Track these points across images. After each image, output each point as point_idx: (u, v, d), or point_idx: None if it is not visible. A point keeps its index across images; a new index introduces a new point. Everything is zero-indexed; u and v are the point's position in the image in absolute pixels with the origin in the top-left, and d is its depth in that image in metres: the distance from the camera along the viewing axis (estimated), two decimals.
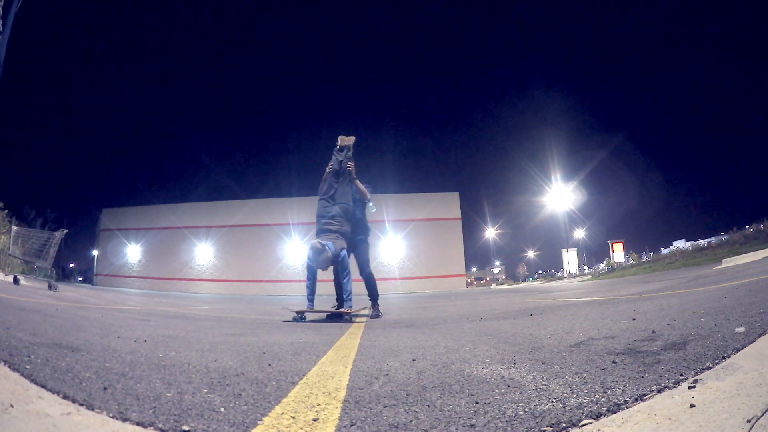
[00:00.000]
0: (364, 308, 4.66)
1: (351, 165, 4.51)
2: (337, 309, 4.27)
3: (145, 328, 2.83)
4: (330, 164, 4.53)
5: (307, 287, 4.23)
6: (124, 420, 1.00)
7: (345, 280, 4.22)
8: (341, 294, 4.36)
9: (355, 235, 4.60)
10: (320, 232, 4.29)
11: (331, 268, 4.28)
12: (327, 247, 4.00)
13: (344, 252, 4.19)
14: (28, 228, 9.28)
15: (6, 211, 11.08)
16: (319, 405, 1.18)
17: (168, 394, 1.22)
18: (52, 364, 1.41)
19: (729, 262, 9.94)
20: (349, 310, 4.06)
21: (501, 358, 1.78)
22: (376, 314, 4.37)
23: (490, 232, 46.46)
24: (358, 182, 4.61)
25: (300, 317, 3.96)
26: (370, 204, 4.91)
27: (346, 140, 4.60)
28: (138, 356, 1.73)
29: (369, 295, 4.65)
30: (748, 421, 0.89)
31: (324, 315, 4.24)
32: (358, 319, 4.13)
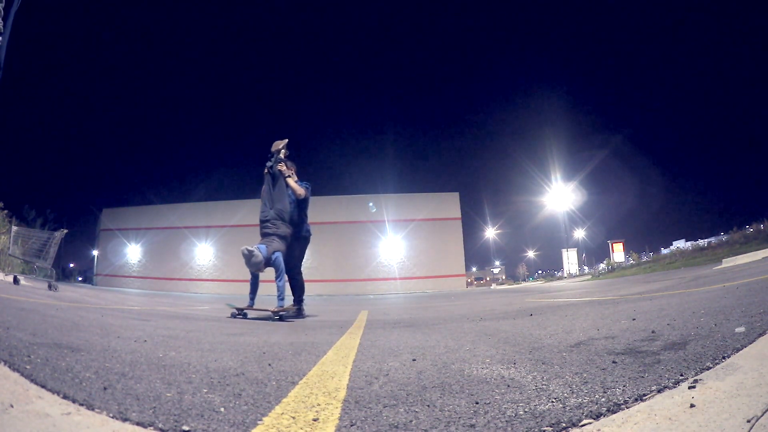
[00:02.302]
0: (296, 307, 4.69)
1: (281, 166, 4.66)
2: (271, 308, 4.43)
3: (145, 328, 2.83)
4: (265, 170, 4.74)
5: (250, 285, 4.54)
6: (124, 420, 1.00)
7: (277, 280, 4.35)
8: (300, 291, 4.67)
9: (299, 234, 4.76)
10: (261, 236, 4.53)
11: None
12: (257, 251, 4.18)
13: (277, 254, 4.33)
14: (28, 228, 9.28)
15: (6, 211, 11.09)
16: (319, 405, 1.18)
17: (168, 394, 1.22)
18: (52, 364, 1.41)
19: (729, 262, 9.94)
20: (277, 309, 4.13)
21: (501, 358, 1.78)
22: (295, 314, 4.48)
23: (490, 232, 46.48)
24: (290, 181, 4.68)
25: (238, 314, 4.23)
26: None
27: (276, 145, 4.78)
28: (138, 356, 1.73)
29: (293, 294, 4.77)
30: (748, 421, 0.89)
31: (268, 312, 4.30)
32: (289, 319, 4.26)
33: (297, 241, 4.75)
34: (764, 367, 1.21)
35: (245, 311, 4.28)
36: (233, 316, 4.24)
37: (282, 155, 4.72)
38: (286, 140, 4.79)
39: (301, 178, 4.95)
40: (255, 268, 4.23)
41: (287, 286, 4.51)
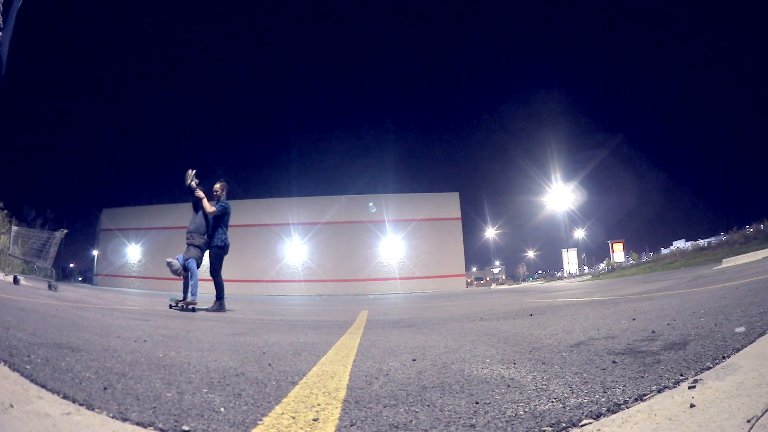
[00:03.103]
0: (217, 303, 5.50)
1: (198, 192, 5.72)
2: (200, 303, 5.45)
3: (145, 328, 2.83)
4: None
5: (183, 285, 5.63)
6: (124, 420, 1.00)
7: (190, 280, 5.30)
8: (218, 290, 5.52)
9: (211, 245, 5.68)
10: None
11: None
12: (175, 261, 5.38)
13: (190, 260, 5.39)
14: (28, 228, 9.27)
15: (6, 211, 11.08)
16: (319, 405, 1.18)
17: (168, 394, 1.22)
18: (52, 364, 1.41)
19: (729, 262, 9.94)
20: (189, 302, 5.15)
21: (501, 358, 1.79)
22: (215, 308, 5.34)
23: (490, 232, 46.40)
24: (204, 203, 5.68)
25: (174, 305, 5.25)
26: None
27: (187, 176, 5.86)
28: (138, 356, 1.73)
29: (215, 293, 5.59)
30: (748, 421, 0.89)
31: (194, 306, 5.30)
32: (224, 312, 5.30)
33: (213, 250, 5.65)
34: (764, 367, 1.21)
35: (180, 303, 5.23)
36: (170, 307, 5.27)
37: (194, 184, 5.75)
38: (194, 171, 5.86)
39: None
40: (175, 273, 5.41)
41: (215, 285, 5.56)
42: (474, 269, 62.57)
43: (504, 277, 58.02)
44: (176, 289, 6.76)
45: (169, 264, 5.43)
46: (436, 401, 1.21)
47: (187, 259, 5.43)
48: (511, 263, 67.19)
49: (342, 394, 1.30)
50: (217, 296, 5.52)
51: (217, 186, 5.78)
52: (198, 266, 5.46)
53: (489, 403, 1.18)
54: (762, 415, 0.90)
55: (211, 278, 5.63)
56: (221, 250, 5.67)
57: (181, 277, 5.48)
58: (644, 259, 24.13)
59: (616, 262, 24.19)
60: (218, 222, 5.67)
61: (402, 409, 1.15)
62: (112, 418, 1.01)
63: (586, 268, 33.23)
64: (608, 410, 1.07)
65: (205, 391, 1.28)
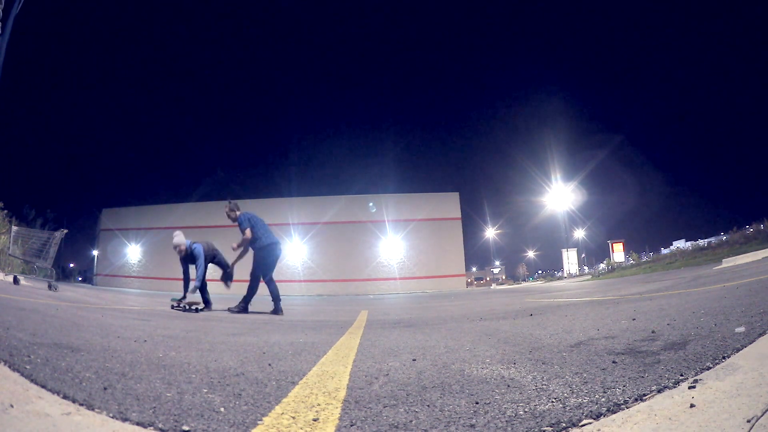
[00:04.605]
0: (242, 305, 5.41)
1: (245, 235, 5.63)
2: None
3: (145, 328, 2.83)
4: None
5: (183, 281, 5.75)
6: (124, 420, 1.00)
7: (197, 268, 5.47)
8: (246, 293, 5.49)
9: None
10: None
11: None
12: (181, 234, 5.49)
13: (197, 245, 5.52)
14: (28, 228, 9.27)
15: (6, 211, 11.09)
16: (319, 405, 1.18)
17: (168, 394, 1.22)
18: (52, 364, 1.41)
19: (729, 262, 9.94)
20: (189, 303, 5.18)
21: (501, 358, 1.79)
22: (236, 310, 5.29)
23: (490, 232, 46.31)
24: (245, 234, 5.65)
25: (176, 306, 5.19)
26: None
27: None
28: (138, 356, 1.73)
29: (245, 296, 5.51)
30: (748, 421, 0.89)
31: (198, 306, 5.34)
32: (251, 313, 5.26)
33: (255, 254, 5.65)
34: (764, 367, 1.21)
35: (182, 303, 5.17)
36: (172, 307, 5.18)
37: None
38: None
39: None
40: (174, 248, 5.52)
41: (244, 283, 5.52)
42: (474, 269, 62.55)
43: (504, 277, 57.98)
44: (176, 289, 6.76)
45: (175, 236, 5.57)
46: (436, 401, 1.21)
47: (194, 243, 5.54)
48: (511, 263, 67.12)
49: (342, 394, 1.30)
50: (244, 298, 5.48)
51: (225, 210, 5.74)
52: (204, 260, 5.58)
53: (489, 403, 1.18)
54: (762, 415, 0.90)
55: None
56: (258, 251, 5.66)
57: (179, 254, 5.59)
58: (644, 259, 24.11)
59: (616, 262, 24.18)
60: (253, 229, 5.70)
61: (402, 409, 1.15)
62: (112, 418, 1.01)
63: (586, 268, 33.22)
64: (608, 410, 1.07)
65: (205, 391, 1.28)
